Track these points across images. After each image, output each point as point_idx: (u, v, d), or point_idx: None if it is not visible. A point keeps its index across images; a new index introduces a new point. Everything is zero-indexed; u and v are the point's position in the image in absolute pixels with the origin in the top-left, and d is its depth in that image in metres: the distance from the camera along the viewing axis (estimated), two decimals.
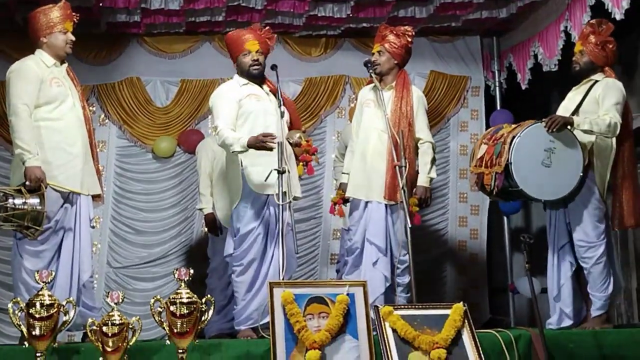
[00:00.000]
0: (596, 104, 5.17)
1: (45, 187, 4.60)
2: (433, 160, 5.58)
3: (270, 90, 5.35)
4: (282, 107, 5.14)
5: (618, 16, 5.65)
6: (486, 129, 7.74)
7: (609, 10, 5.72)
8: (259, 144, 4.94)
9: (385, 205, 5.39)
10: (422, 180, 5.52)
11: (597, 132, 5.07)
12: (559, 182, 5.12)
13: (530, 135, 5.11)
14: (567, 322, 5.29)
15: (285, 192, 4.90)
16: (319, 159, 5.57)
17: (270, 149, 4.91)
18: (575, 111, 5.22)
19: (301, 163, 5.28)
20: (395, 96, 5.47)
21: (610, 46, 5.28)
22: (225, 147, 5.18)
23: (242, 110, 5.21)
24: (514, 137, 5.10)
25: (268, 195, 5.15)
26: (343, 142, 6.73)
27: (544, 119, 5.12)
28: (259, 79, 5.32)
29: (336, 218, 7.42)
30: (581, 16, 6.18)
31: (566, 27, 6.48)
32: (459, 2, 6.95)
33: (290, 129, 5.38)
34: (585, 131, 5.08)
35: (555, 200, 5.23)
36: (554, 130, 5.02)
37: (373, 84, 5.53)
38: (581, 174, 5.11)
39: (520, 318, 7.60)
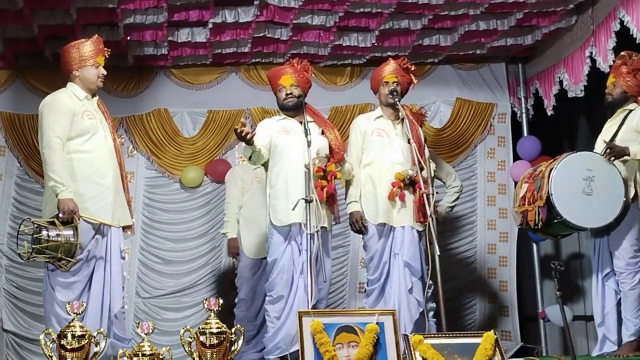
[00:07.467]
0: (634, 132, 5.21)
1: (78, 219, 4.64)
2: None
3: (313, 120, 5.46)
4: (309, 137, 5.18)
5: None
6: (513, 155, 7.75)
7: (634, 36, 5.70)
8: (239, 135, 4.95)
9: (418, 230, 5.42)
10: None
11: None
12: (602, 209, 5.15)
13: (567, 165, 5.17)
14: (611, 347, 5.28)
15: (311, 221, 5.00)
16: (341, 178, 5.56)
17: (241, 133, 4.89)
18: (612, 141, 5.24)
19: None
20: (410, 126, 5.44)
21: None
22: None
23: (272, 143, 5.37)
24: (551, 170, 5.16)
25: (292, 225, 5.25)
26: None
27: (575, 151, 5.20)
28: (295, 111, 5.40)
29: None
30: (606, 42, 6.15)
31: (591, 53, 6.44)
32: (483, 30, 6.95)
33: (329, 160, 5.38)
34: None
35: (600, 227, 5.25)
36: (612, 160, 5.10)
37: (378, 115, 5.63)
38: (624, 199, 5.12)
39: (552, 346, 7.50)
